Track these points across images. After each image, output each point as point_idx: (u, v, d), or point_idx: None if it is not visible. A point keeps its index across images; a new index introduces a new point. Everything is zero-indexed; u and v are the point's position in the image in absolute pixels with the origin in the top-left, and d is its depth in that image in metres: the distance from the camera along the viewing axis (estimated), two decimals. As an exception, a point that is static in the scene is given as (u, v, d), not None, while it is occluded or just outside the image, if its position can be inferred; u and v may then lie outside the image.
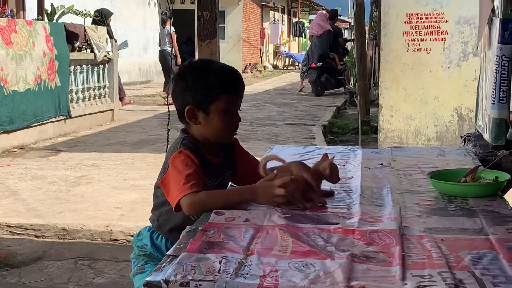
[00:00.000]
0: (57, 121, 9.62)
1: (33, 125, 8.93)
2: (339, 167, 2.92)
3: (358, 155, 3.22)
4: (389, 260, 1.74)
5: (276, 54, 32.43)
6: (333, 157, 2.35)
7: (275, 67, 30.96)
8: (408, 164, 3.03)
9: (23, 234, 5.20)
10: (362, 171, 2.84)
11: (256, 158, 2.57)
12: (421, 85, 6.98)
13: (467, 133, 3.75)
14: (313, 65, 16.39)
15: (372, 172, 2.87)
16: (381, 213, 2.20)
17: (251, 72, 25.36)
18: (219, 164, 2.43)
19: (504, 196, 2.48)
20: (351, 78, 14.45)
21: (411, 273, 1.63)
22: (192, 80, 2.34)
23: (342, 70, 15.98)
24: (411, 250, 1.82)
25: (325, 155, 2.41)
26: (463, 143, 3.64)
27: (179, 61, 14.24)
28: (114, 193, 6.20)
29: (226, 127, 2.36)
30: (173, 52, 14.75)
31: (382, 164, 3.01)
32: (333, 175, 2.39)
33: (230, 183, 2.55)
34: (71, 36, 10.33)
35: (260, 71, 27.23)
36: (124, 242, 5.07)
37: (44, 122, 9.23)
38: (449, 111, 6.91)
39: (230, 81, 2.36)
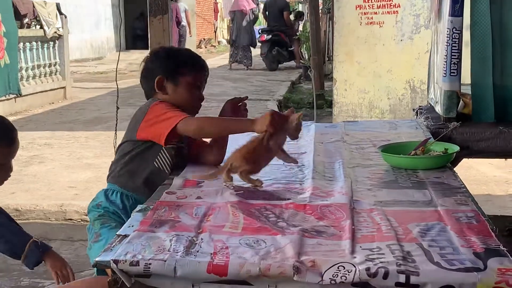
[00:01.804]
0: (7, 99, 9.40)
1: (-18, 104, 8.72)
2: (292, 142, 2.93)
3: (311, 130, 3.23)
4: (339, 234, 1.75)
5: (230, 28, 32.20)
6: (301, 113, 2.35)
7: (229, 42, 30.77)
8: (361, 138, 3.05)
9: (-26, 216, 5.10)
10: (314, 146, 2.85)
11: None
12: (374, 59, 7.02)
13: (419, 106, 3.79)
14: (262, 38, 16.29)
15: (324, 146, 2.88)
16: (333, 187, 2.21)
17: (205, 48, 25.14)
18: None
19: (453, 168, 2.52)
20: (305, 52, 14.45)
21: (361, 246, 1.65)
22: (164, 56, 2.61)
23: (291, 43, 15.96)
24: (361, 223, 1.84)
25: (291, 109, 2.40)
26: (415, 116, 3.68)
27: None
28: (67, 172, 6.10)
29: (192, 100, 2.56)
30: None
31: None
32: (297, 131, 2.35)
33: None
34: (20, 13, 10.06)
35: (214, 46, 27.01)
36: (79, 221, 5.01)
37: (-7, 100, 9.02)
38: (402, 84, 6.98)
39: (198, 62, 2.62)
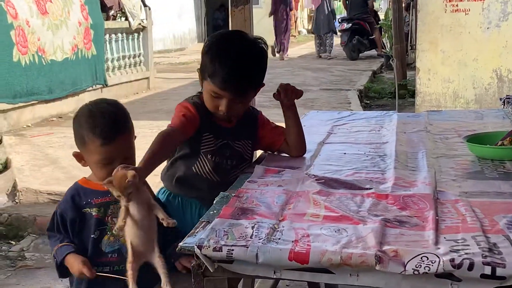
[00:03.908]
0: (94, 90, 9.70)
1: (71, 94, 9.03)
2: (373, 132, 2.91)
3: (394, 120, 3.19)
4: (422, 224, 1.72)
5: (311, 18, 32.06)
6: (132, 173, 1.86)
7: (309, 32, 30.64)
8: (445, 128, 2.99)
9: (63, 201, 5.29)
10: (397, 136, 2.80)
11: (281, 125, 2.56)
12: (460, 47, 6.83)
13: (507, 95, 3.67)
14: (342, 27, 16.13)
15: (407, 136, 2.84)
16: (416, 177, 2.18)
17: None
18: (227, 128, 2.41)
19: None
20: (387, 41, 14.21)
21: (445, 237, 1.62)
22: (206, 49, 2.34)
23: (372, 31, 15.74)
24: (445, 214, 1.80)
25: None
26: (502, 105, 3.57)
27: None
28: (151, 161, 6.25)
29: (209, 107, 2.35)
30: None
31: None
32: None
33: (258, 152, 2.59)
34: (106, 5, 10.37)
35: (295, 36, 26.94)
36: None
37: (81, 91, 9.33)
38: (488, 73, 6.76)
39: (221, 75, 2.26)
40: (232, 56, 2.28)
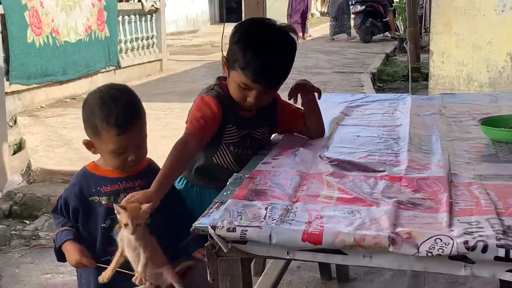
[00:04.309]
0: (107, 71, 9.73)
1: (84, 76, 9.05)
2: (387, 115, 2.90)
3: (408, 102, 3.17)
4: (436, 207, 1.73)
5: (324, 1, 31.84)
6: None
7: (323, 14, 30.46)
8: (459, 111, 2.97)
9: (76, 182, 5.33)
10: (411, 118, 2.79)
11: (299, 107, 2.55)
12: (474, 30, 6.76)
13: (521, 79, 3.64)
14: (355, 9, 16.02)
15: (421, 119, 2.83)
16: (430, 160, 2.17)
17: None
18: (248, 118, 2.38)
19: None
20: (401, 24, 14.11)
21: (458, 220, 1.62)
22: (236, 39, 2.26)
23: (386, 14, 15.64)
24: (459, 197, 1.80)
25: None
26: (516, 89, 3.55)
27: None
28: (164, 143, 6.23)
29: (237, 97, 2.30)
30: None
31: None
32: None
33: (273, 135, 2.56)
34: (119, -14, 10.36)
35: (308, 19, 26.83)
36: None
37: (95, 72, 9.35)
38: (503, 56, 6.69)
39: (254, 68, 2.20)
40: (266, 48, 2.22)
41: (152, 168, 2.21)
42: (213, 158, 2.35)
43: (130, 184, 2.11)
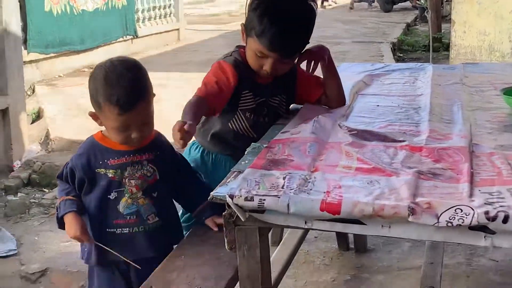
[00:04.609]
0: (125, 41, 9.70)
1: (101, 45, 9.04)
2: (407, 84, 2.87)
3: (429, 72, 3.13)
4: (456, 177, 1.70)
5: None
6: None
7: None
8: (481, 81, 2.93)
9: (95, 151, 5.35)
10: (432, 88, 2.75)
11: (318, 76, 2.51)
12: (497, -1, 6.66)
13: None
14: None
15: (442, 89, 2.79)
16: (451, 130, 2.14)
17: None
18: (265, 86, 2.35)
19: None
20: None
21: (479, 190, 1.59)
22: (254, 6, 2.22)
23: None
24: (480, 167, 1.77)
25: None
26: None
27: None
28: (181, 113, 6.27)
29: (253, 65, 2.27)
30: None
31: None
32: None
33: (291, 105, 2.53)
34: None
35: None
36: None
37: (112, 42, 9.33)
38: (526, 26, 6.59)
39: (271, 35, 2.16)
40: (283, 16, 2.17)
41: (159, 141, 2.18)
42: (229, 124, 2.34)
43: (137, 157, 2.10)
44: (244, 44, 2.31)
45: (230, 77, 2.24)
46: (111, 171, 2.07)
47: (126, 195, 2.09)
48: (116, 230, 2.08)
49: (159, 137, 2.20)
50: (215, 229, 2.10)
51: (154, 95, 2.11)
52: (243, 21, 2.31)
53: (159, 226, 2.12)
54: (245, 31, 2.27)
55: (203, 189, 2.10)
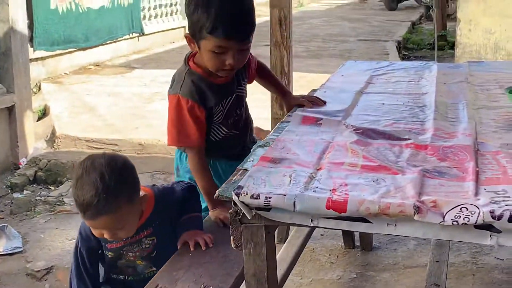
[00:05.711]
0: (131, 38, 9.72)
1: (107, 42, 9.06)
2: (412, 83, 2.87)
3: (434, 70, 3.13)
4: (462, 175, 1.70)
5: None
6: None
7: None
8: (486, 79, 2.93)
9: (101, 148, 5.37)
10: (437, 87, 2.75)
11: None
12: (502, -3, 6.65)
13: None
14: None
15: (447, 87, 2.79)
16: (456, 128, 2.14)
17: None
18: (228, 83, 2.33)
19: None
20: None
21: (485, 189, 1.60)
22: (193, 8, 2.14)
23: None
24: (486, 165, 1.77)
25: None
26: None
27: None
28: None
29: (215, 66, 2.19)
30: None
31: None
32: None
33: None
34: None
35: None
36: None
37: (118, 39, 9.35)
38: (532, 24, 6.58)
39: (223, 24, 2.09)
40: (226, 2, 2.12)
41: (158, 208, 2.12)
42: (210, 137, 2.34)
43: (135, 238, 2.10)
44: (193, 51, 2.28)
45: (197, 112, 2.24)
46: (109, 253, 2.12)
47: (124, 259, 2.14)
48: (112, 275, 2.16)
49: (158, 205, 2.13)
50: (221, 225, 2.15)
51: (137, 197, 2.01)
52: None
53: (155, 273, 2.03)
54: (193, 39, 2.20)
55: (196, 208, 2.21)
